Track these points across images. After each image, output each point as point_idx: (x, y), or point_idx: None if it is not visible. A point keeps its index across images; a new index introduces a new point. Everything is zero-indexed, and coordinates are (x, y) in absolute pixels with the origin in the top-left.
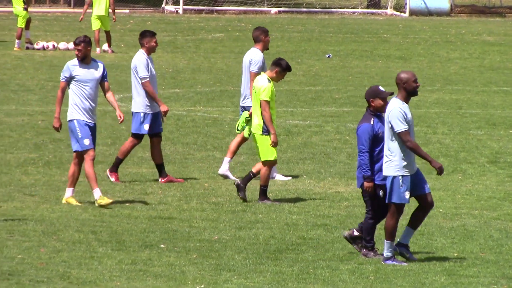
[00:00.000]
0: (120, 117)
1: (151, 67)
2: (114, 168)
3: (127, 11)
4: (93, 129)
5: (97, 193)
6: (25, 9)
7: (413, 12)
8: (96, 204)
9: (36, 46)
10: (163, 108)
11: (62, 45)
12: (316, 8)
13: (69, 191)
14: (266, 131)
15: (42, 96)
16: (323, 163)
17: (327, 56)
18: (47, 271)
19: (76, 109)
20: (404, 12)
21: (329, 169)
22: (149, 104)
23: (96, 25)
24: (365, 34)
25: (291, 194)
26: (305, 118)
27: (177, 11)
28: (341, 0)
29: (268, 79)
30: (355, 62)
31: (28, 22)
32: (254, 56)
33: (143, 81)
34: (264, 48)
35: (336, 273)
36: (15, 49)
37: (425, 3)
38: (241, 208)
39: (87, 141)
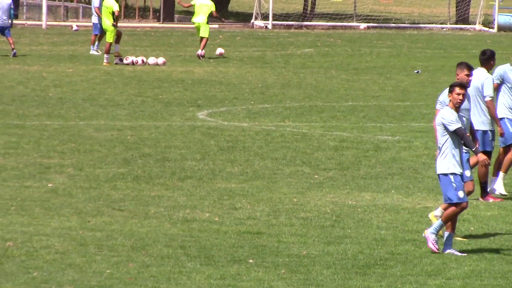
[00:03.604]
0: None
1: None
2: (484, 194)
3: (216, 26)
4: None
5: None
6: (114, 25)
7: (501, 28)
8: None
9: (125, 61)
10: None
11: (151, 60)
12: (405, 23)
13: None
14: None
15: (131, 111)
16: (412, 179)
17: (416, 71)
18: (135, 286)
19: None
20: (492, 28)
21: (418, 184)
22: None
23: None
24: (453, 49)
25: (380, 209)
26: (393, 134)
27: (266, 27)
28: (430, 15)
29: None
30: (444, 78)
31: (118, 36)
32: None
33: (487, 99)
34: None
35: None
36: (104, 64)
37: None
38: (330, 223)
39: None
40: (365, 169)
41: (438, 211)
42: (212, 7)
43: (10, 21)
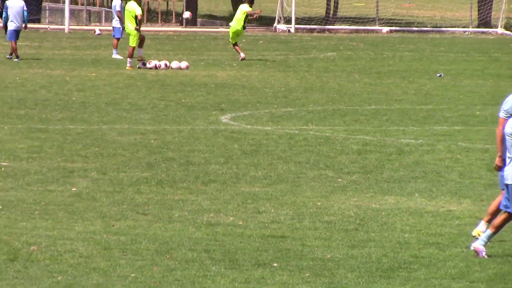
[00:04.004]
0: None
1: None
2: None
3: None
4: None
5: None
6: (137, 30)
7: None
8: None
9: (148, 65)
10: None
11: (174, 64)
12: (427, 27)
13: None
14: None
15: (154, 115)
16: (435, 182)
17: (438, 75)
18: None
19: None
20: None
21: (441, 187)
22: None
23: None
24: (475, 53)
25: (403, 212)
26: (416, 137)
27: (289, 30)
28: (452, 19)
29: None
30: (466, 81)
31: (142, 40)
32: None
33: None
34: None
35: None
36: (127, 68)
37: None
38: (354, 226)
39: None
40: (389, 173)
41: None
42: (246, 9)
43: (24, 25)
